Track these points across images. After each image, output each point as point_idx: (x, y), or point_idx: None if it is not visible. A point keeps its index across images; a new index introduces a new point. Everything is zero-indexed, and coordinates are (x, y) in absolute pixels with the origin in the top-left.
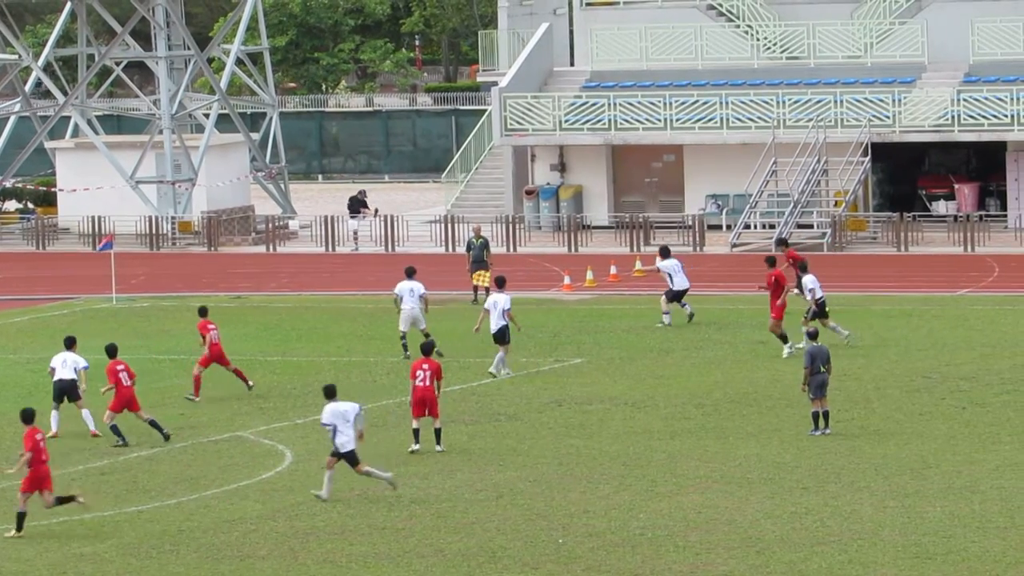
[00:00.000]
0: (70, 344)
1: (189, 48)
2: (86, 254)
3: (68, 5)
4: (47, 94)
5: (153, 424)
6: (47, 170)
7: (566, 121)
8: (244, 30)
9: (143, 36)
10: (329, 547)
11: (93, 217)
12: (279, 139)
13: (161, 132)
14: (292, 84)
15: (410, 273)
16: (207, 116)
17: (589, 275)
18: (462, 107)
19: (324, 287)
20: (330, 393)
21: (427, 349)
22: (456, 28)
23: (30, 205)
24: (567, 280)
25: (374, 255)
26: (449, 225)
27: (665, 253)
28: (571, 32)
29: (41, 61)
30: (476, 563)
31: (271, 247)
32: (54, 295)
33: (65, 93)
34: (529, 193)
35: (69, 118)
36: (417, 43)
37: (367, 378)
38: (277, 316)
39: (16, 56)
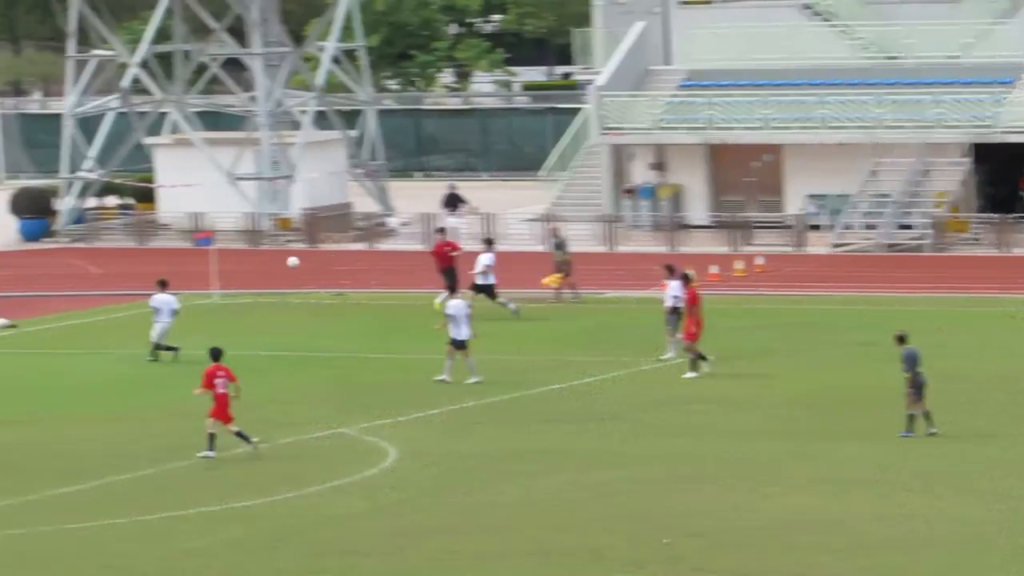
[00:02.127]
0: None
1: (285, 45)
2: (186, 250)
3: (164, 2)
4: (144, 90)
5: (240, 435)
6: (147, 166)
7: (663, 120)
8: (340, 27)
9: (240, 33)
10: (434, 545)
11: (193, 213)
12: (377, 137)
13: (259, 129)
14: (389, 80)
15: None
16: (304, 113)
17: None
18: (559, 105)
19: (422, 285)
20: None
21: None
22: (552, 26)
23: (130, 201)
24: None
25: (474, 253)
26: (547, 223)
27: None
28: (665, 31)
29: (138, 58)
30: (581, 562)
31: (370, 244)
32: (152, 291)
33: (162, 90)
34: (628, 192)
35: (167, 114)
36: (512, 41)
37: (466, 376)
38: (377, 313)
39: (114, 53)
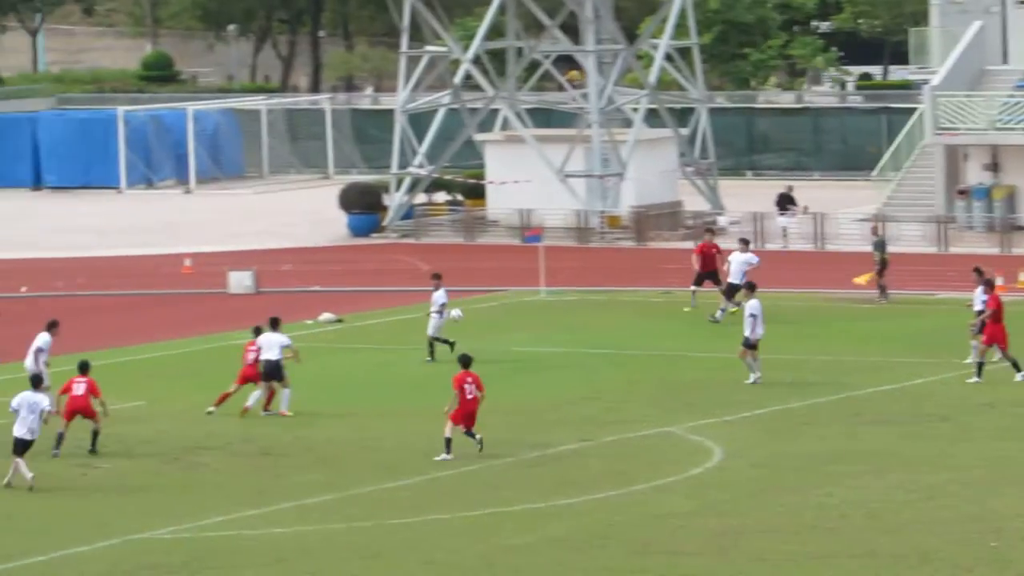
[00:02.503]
0: (274, 325)
1: (618, 42)
2: (514, 246)
3: None
4: (475, 87)
5: (470, 434)
6: (476, 162)
7: (999, 120)
8: (673, 25)
9: (572, 30)
10: (759, 545)
11: (521, 210)
12: (708, 135)
13: (590, 126)
14: (722, 78)
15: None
16: (635, 111)
17: (1022, 276)
18: (893, 105)
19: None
20: None
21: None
22: (886, 25)
23: (459, 197)
24: (1000, 280)
25: (803, 252)
26: (880, 224)
27: None
28: (1004, 30)
29: (470, 54)
30: (907, 564)
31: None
32: (483, 287)
33: (494, 86)
34: (961, 193)
35: (498, 111)
36: (847, 40)
37: (797, 376)
38: (704, 311)
39: (446, 49)
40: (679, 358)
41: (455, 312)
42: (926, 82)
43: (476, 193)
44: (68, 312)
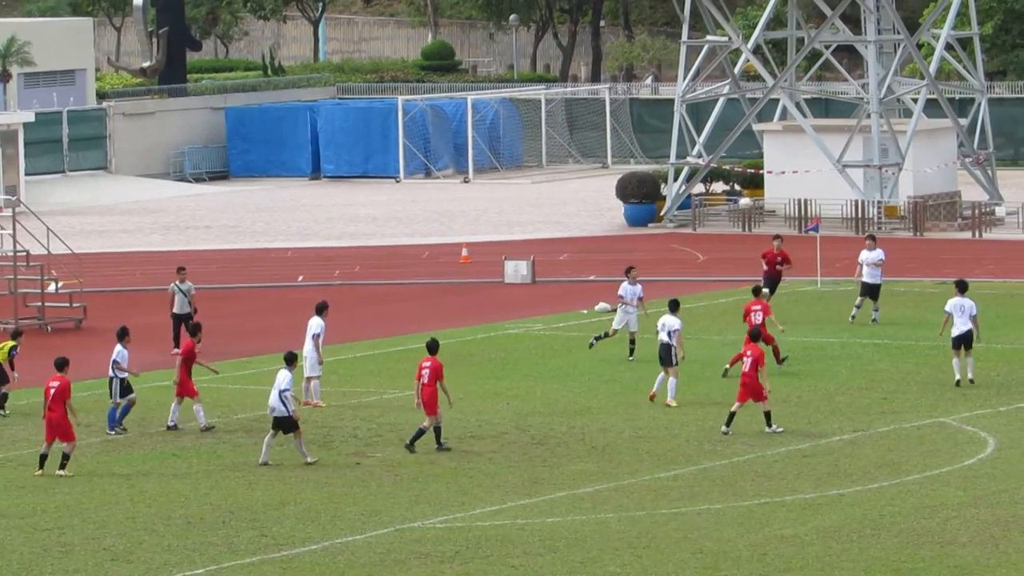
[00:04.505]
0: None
1: (899, 32)
2: (792, 236)
3: None
4: (756, 76)
5: (767, 415)
6: (754, 152)
7: None
8: (954, 15)
9: (853, 20)
10: None
11: (799, 200)
12: (987, 125)
13: (869, 116)
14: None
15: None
16: (915, 101)
17: None
18: None
19: None
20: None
21: None
22: None
23: (736, 187)
24: None
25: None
26: None
27: None
28: None
29: (751, 43)
30: None
31: (977, 233)
32: (759, 277)
33: (774, 76)
34: None
35: (777, 101)
36: None
37: None
38: (982, 302)
39: (726, 38)
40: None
41: (601, 304)
42: None
43: (754, 183)
44: (345, 301)
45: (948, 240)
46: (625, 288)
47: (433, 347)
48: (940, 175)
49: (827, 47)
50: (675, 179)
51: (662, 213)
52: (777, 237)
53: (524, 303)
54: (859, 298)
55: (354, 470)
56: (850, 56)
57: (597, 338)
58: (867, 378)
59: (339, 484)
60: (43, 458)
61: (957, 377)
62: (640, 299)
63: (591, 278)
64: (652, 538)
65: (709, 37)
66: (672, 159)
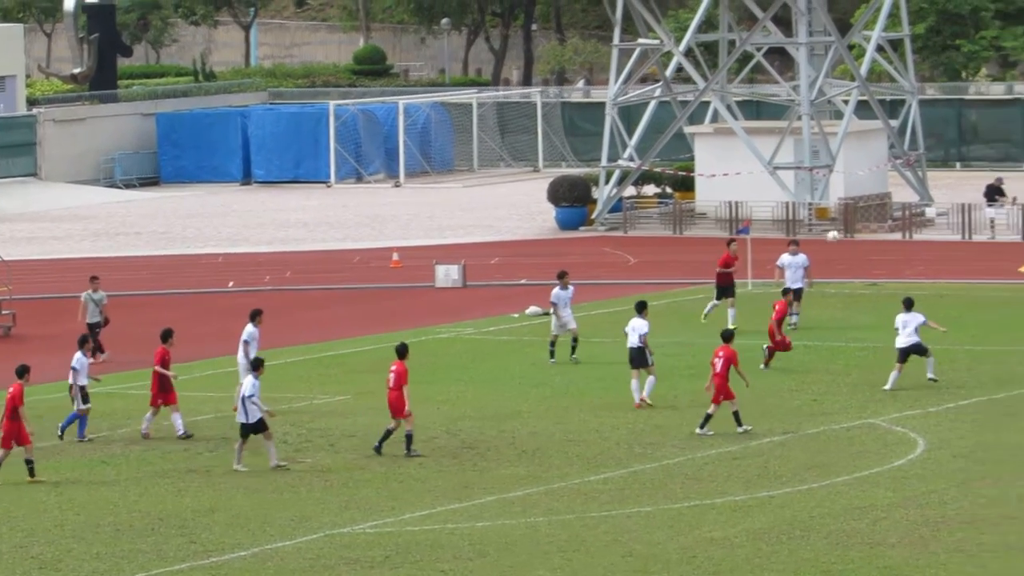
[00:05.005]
0: (640, 309)
1: (830, 34)
2: (723, 239)
3: None
4: (687, 79)
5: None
6: (686, 155)
7: None
8: (885, 16)
9: (784, 22)
10: (959, 536)
11: (730, 202)
12: (918, 127)
13: (800, 118)
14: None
15: None
16: (846, 103)
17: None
18: None
19: (960, 275)
20: None
21: None
22: None
23: (668, 190)
24: None
25: (1011, 243)
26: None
27: None
28: None
29: (682, 46)
30: None
31: (907, 234)
32: (690, 279)
33: (705, 79)
34: None
35: (708, 103)
36: None
37: (1000, 367)
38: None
39: (658, 41)
40: (884, 349)
41: (531, 309)
42: None
43: (685, 186)
44: (276, 307)
45: (879, 241)
46: (557, 293)
47: (402, 351)
48: (871, 177)
49: (759, 49)
50: (607, 182)
51: (593, 216)
52: (732, 241)
53: (455, 307)
54: (714, 301)
55: (284, 476)
56: (782, 58)
57: (551, 351)
58: (797, 380)
59: (269, 490)
60: None
61: (887, 387)
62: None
63: (522, 282)
64: (582, 541)
65: (641, 40)
66: (604, 162)
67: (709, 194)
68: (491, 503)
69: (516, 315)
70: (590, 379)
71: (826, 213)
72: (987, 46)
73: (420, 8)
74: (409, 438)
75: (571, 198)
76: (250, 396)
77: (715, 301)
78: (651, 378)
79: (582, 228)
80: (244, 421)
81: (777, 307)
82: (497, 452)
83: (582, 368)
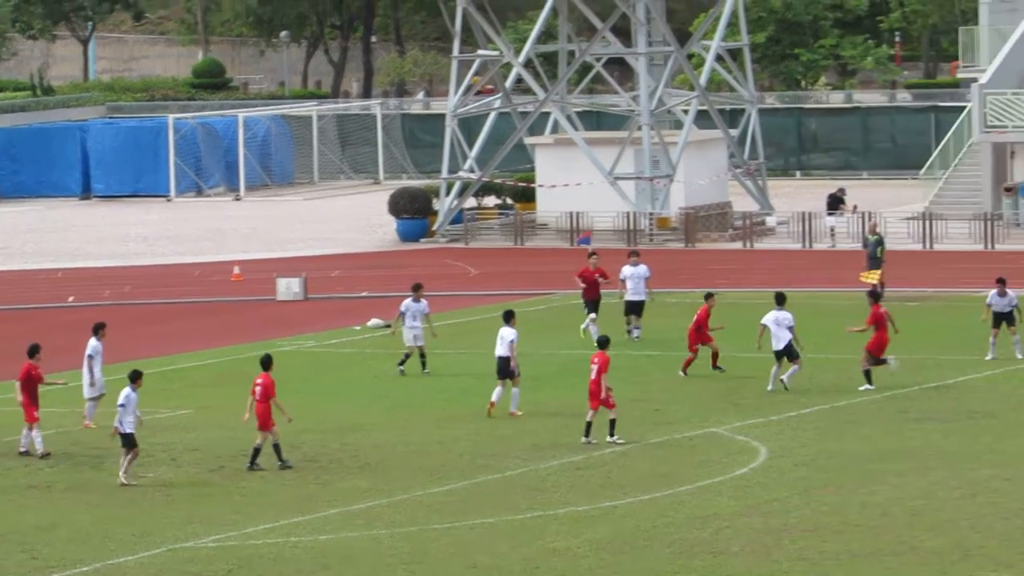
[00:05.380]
0: (508, 318)
1: (669, 44)
2: (564, 249)
3: (549, 2)
4: (527, 90)
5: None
6: (526, 166)
7: None
8: (724, 26)
9: (623, 32)
10: (802, 544)
11: (571, 213)
12: (758, 136)
13: (640, 128)
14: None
15: None
16: (686, 112)
17: None
18: (942, 104)
19: (801, 284)
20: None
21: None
22: (936, 24)
23: (508, 201)
24: None
25: (851, 251)
26: (927, 222)
27: None
28: None
29: (522, 57)
30: (949, 561)
31: (748, 243)
32: (531, 290)
33: (545, 89)
34: (1008, 190)
35: (549, 114)
36: (897, 39)
37: (842, 375)
38: (752, 313)
39: (497, 52)
40: (725, 359)
41: (373, 321)
42: (975, 80)
43: (526, 197)
44: (116, 321)
45: (719, 251)
46: (408, 304)
47: (266, 363)
48: (711, 186)
49: (598, 60)
50: (447, 194)
51: (434, 228)
52: (593, 254)
53: (296, 320)
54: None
55: (126, 491)
56: (621, 68)
57: (400, 364)
58: (640, 390)
59: (111, 505)
60: None
61: (770, 387)
62: (426, 315)
63: (363, 294)
64: (425, 554)
65: (480, 51)
66: (444, 174)
67: (550, 205)
68: (334, 516)
69: (358, 327)
70: (432, 391)
71: (667, 223)
72: (826, 55)
73: (259, 21)
74: (277, 449)
75: (412, 210)
76: (120, 405)
77: (592, 315)
78: (515, 390)
79: (423, 240)
80: (122, 431)
81: (699, 313)
82: (340, 465)
83: (424, 380)
